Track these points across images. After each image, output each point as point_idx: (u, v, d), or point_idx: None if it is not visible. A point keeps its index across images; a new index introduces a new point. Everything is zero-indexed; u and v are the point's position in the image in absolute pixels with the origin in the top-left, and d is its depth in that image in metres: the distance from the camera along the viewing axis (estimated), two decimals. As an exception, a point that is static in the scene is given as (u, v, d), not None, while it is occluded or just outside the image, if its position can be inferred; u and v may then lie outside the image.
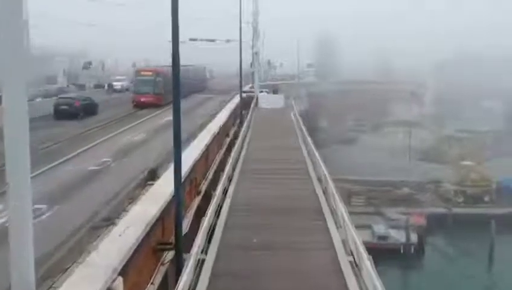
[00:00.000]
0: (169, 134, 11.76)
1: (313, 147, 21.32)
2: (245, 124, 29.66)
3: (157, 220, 11.24)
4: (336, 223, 13.44)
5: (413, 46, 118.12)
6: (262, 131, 29.20)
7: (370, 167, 53.57)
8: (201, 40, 60.02)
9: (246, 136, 26.63)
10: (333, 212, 14.27)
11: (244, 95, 42.82)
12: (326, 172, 17.09)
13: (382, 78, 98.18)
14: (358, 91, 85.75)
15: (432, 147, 61.54)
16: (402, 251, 36.90)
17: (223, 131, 26.52)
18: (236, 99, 40.30)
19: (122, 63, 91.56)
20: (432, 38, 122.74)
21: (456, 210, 43.06)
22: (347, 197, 44.98)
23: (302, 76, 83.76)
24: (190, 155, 17.09)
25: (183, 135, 12.46)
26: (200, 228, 11.64)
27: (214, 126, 24.58)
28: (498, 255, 36.89)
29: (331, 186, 15.33)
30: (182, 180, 13.73)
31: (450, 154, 55.19)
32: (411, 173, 51.78)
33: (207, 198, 16.97)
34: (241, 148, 23.30)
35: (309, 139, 23.66)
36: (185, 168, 15.34)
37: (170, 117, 12.11)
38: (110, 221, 13.01)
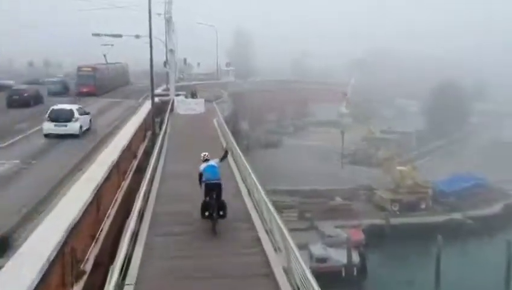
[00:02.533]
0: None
1: (253, 177, 15.23)
2: (159, 138, 22.97)
3: None
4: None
5: (327, 47, 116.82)
6: (182, 147, 22.64)
7: (297, 174, 48.88)
8: (106, 35, 51.86)
9: (159, 156, 20.11)
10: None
11: (156, 99, 35.80)
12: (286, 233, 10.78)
13: (300, 78, 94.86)
14: (279, 91, 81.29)
15: (359, 149, 58.27)
16: (344, 274, 32.16)
17: (128, 152, 19.74)
18: (148, 105, 33.44)
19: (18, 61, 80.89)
20: (346, 39, 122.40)
21: (394, 220, 39.36)
22: (278, 212, 39.78)
23: (221, 76, 77.51)
24: (66, 212, 10.47)
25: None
26: None
27: (114, 148, 17.74)
28: (443, 268, 33.35)
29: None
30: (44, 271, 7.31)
31: (378, 157, 52.06)
32: (342, 179, 47.79)
33: (97, 277, 10.45)
34: (153, 177, 16.77)
35: (246, 163, 17.59)
36: (54, 240, 8.80)
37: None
38: None
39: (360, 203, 42.65)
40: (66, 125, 23.26)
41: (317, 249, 33.00)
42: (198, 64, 78.45)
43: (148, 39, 49.72)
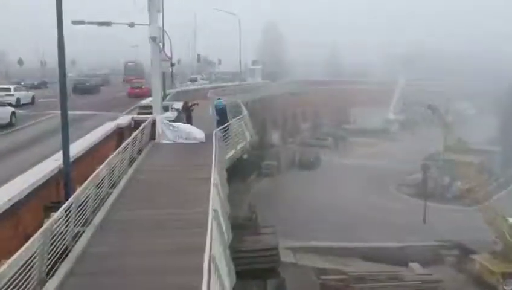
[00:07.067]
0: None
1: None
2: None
3: None
4: None
5: (361, 40, 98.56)
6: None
7: (344, 214, 33.31)
8: (91, 23, 37.29)
9: None
10: None
11: (127, 119, 20.57)
12: None
13: (335, 77, 78.35)
14: (312, 93, 65.33)
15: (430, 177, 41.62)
16: None
17: None
18: (108, 127, 18.54)
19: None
20: (381, 33, 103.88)
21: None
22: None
23: (246, 75, 62.08)
24: None
25: None
26: None
27: None
28: None
29: None
30: None
31: (457, 189, 36.08)
32: (410, 225, 31.86)
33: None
34: None
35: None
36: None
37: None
38: None
39: (446, 273, 26.63)
40: None
41: None
42: (219, 61, 62.98)
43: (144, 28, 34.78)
